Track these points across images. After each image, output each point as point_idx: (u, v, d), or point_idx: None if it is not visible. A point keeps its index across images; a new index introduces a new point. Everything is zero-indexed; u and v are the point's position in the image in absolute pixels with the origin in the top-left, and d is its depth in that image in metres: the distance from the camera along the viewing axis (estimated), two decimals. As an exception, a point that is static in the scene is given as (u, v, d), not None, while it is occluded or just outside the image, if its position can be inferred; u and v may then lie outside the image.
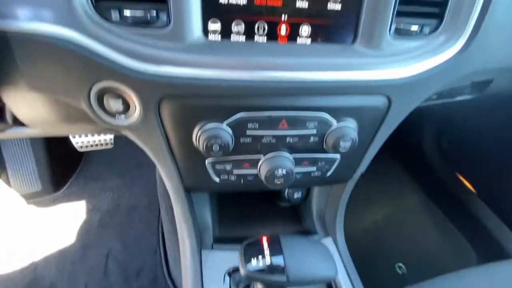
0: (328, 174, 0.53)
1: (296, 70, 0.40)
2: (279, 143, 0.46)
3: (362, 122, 0.46)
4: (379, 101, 0.45)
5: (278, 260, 0.37)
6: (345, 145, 0.45)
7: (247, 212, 0.73)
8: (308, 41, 0.43)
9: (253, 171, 0.49)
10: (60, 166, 1.27)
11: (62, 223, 1.16)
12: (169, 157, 0.47)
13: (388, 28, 0.42)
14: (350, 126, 0.45)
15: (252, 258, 0.38)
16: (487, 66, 0.50)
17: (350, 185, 0.59)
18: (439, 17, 0.43)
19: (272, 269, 0.37)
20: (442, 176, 1.30)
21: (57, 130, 0.52)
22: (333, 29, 0.42)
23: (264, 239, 0.40)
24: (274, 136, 0.44)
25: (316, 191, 0.67)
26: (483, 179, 1.18)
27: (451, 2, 0.42)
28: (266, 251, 0.38)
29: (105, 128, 0.46)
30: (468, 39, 0.43)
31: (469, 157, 1.21)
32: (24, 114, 0.46)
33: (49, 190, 1.25)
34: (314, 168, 0.51)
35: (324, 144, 0.47)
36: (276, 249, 0.38)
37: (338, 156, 0.50)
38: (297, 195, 0.65)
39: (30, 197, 1.22)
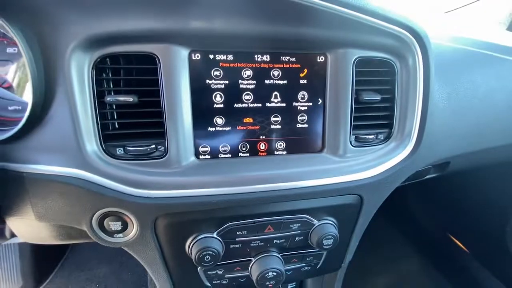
0: (318, 267, 0.55)
1: (276, 182, 0.46)
2: (267, 245, 0.49)
3: (340, 218, 0.51)
4: (352, 199, 0.51)
5: None
6: (328, 242, 0.49)
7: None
8: (284, 153, 0.50)
9: (245, 273, 0.51)
10: (45, 257, 1.21)
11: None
12: (162, 267, 0.49)
13: (349, 138, 0.50)
14: (330, 223, 0.50)
15: None
16: (438, 158, 0.59)
17: (341, 273, 0.61)
18: (390, 127, 0.53)
19: None
20: (434, 237, 1.30)
21: (55, 243, 0.54)
22: (303, 142, 0.51)
23: None
24: (262, 240, 0.48)
25: (309, 281, 0.67)
26: (475, 238, 1.19)
27: (396, 115, 0.52)
28: None
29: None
30: (415, 144, 0.52)
31: (457, 216, 1.24)
32: (24, 235, 0.48)
33: (31, 286, 1.16)
34: (303, 264, 0.53)
35: (309, 240, 0.50)
36: None
37: (324, 251, 0.53)
38: (291, 286, 0.65)
39: (8, 296, 1.12)
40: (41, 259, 1.19)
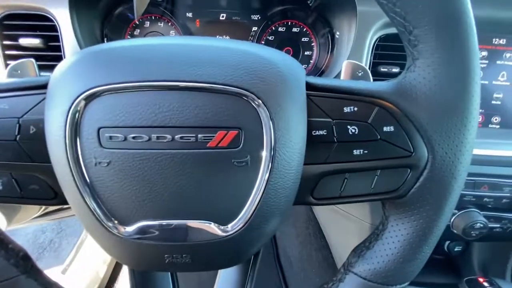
0: (508, 231, 0.62)
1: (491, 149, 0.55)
2: (475, 201, 0.58)
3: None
4: None
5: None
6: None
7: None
8: (497, 127, 0.58)
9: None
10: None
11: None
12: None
13: None
14: None
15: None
16: None
17: (519, 244, 0.66)
18: None
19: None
20: None
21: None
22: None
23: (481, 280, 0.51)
24: (474, 196, 0.57)
25: (477, 245, 0.74)
26: None
27: None
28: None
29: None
30: None
31: None
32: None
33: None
34: (497, 225, 0.61)
35: None
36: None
37: (520, 216, 0.60)
38: (458, 248, 0.73)
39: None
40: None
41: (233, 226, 0.24)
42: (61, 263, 1.73)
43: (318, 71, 0.60)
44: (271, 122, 0.22)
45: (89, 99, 0.22)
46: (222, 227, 0.24)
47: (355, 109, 0.25)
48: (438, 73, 0.24)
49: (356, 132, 0.25)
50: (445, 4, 0.22)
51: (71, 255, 1.27)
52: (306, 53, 0.61)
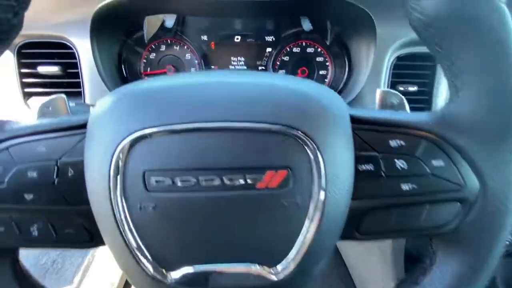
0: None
1: None
2: None
3: None
4: None
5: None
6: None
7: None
8: None
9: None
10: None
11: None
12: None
13: None
14: None
15: None
16: None
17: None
18: None
19: None
20: None
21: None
22: None
23: None
24: None
25: None
26: None
27: None
28: None
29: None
30: None
31: None
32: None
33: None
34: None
35: None
36: None
37: None
38: None
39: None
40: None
41: (284, 268, 0.23)
42: (65, 284, 1.68)
43: (335, 92, 0.60)
44: (320, 159, 0.22)
45: (134, 141, 0.21)
46: (272, 270, 0.23)
47: (402, 142, 0.24)
48: (484, 104, 0.23)
49: (405, 167, 0.24)
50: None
51: (77, 278, 1.23)
52: (321, 72, 0.61)
